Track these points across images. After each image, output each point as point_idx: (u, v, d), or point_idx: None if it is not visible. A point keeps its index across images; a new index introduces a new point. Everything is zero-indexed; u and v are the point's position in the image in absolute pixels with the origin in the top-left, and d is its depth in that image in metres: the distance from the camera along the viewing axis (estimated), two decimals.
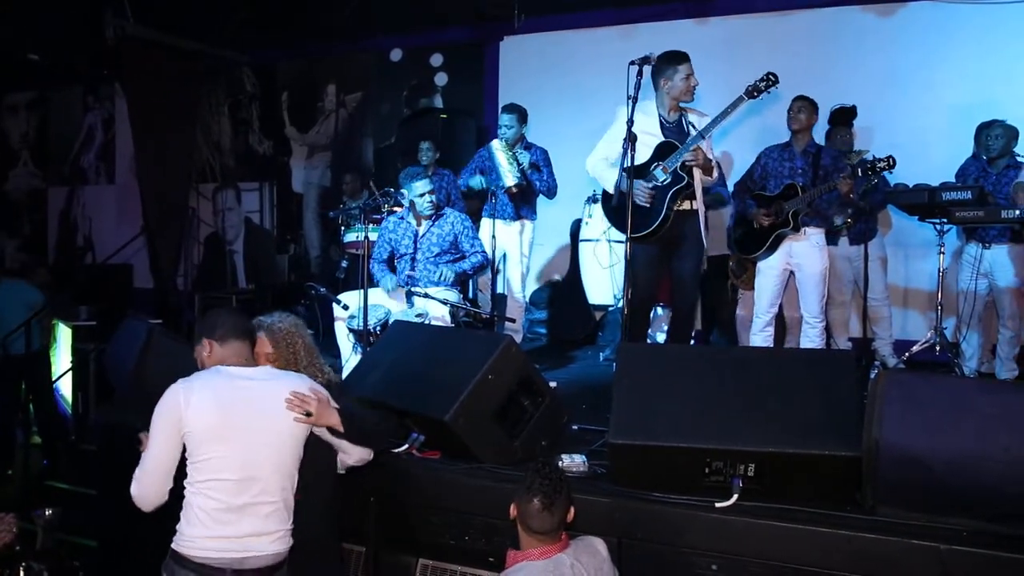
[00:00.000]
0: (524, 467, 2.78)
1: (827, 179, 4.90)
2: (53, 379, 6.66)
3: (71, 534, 4.48)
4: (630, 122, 4.14)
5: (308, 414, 2.68)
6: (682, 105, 4.58)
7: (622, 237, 4.37)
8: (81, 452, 6.22)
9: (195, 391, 2.62)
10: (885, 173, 5.24)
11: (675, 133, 4.54)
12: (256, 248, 9.79)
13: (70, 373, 6.70)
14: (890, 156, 4.84)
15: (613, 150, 4.55)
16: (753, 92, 4.47)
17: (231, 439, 2.60)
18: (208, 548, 2.58)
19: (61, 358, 6.72)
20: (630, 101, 4.14)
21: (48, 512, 2.98)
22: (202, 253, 9.93)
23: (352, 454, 2.92)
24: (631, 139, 4.12)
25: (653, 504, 3.08)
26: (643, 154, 4.45)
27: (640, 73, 4.22)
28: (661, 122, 4.54)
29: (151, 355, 4.23)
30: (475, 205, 6.26)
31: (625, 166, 4.23)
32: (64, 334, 6.73)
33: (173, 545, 2.63)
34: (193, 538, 2.58)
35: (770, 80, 4.47)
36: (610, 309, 6.76)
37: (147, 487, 2.61)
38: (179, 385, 2.64)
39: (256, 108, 9.73)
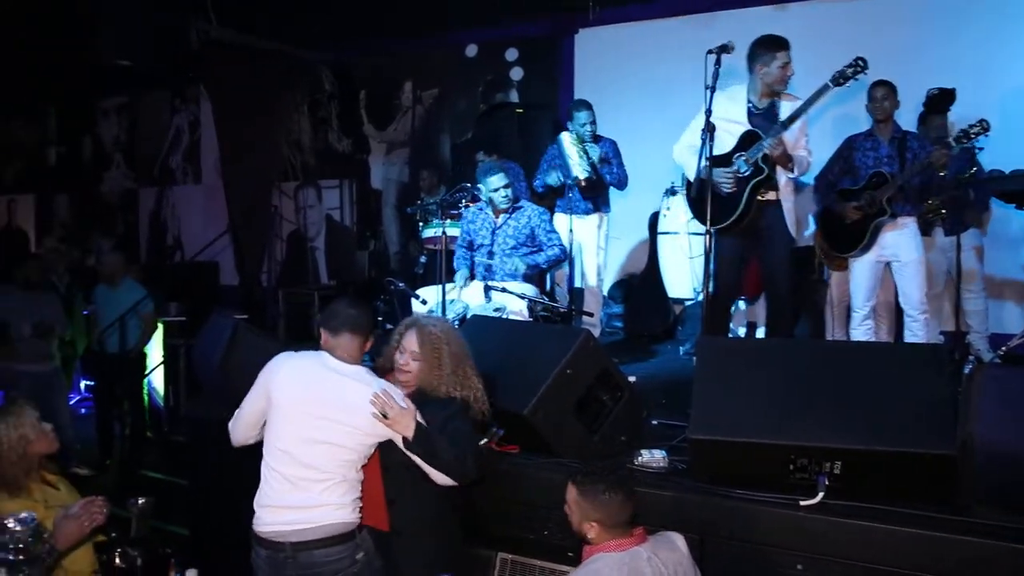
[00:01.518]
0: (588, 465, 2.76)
1: (916, 161, 4.71)
2: (144, 375, 6.86)
3: (164, 522, 4.65)
4: (708, 111, 4.05)
5: (385, 416, 2.77)
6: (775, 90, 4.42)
7: (703, 229, 4.29)
8: (173, 443, 6.45)
9: (290, 362, 2.92)
10: (979, 159, 5.01)
11: (765, 120, 4.38)
12: (337, 244, 9.98)
13: (162, 367, 6.95)
14: (983, 120, 4.60)
15: (697, 137, 4.48)
16: (840, 79, 4.22)
17: (300, 415, 2.80)
18: (269, 523, 2.76)
19: (153, 353, 6.97)
20: (707, 90, 4.04)
21: (141, 500, 3.08)
22: (285, 250, 10.17)
23: (434, 476, 2.92)
24: (709, 129, 4.03)
25: (736, 501, 3.01)
26: (728, 143, 4.36)
27: (718, 62, 4.12)
28: (749, 109, 4.40)
29: (236, 350, 4.31)
30: (547, 203, 6.24)
31: (704, 156, 4.14)
32: (156, 330, 6.97)
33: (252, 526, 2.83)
34: (260, 511, 2.79)
35: (858, 66, 4.21)
36: (688, 303, 6.66)
37: (237, 426, 3.03)
38: (284, 354, 2.97)
39: (335, 106, 9.90)
